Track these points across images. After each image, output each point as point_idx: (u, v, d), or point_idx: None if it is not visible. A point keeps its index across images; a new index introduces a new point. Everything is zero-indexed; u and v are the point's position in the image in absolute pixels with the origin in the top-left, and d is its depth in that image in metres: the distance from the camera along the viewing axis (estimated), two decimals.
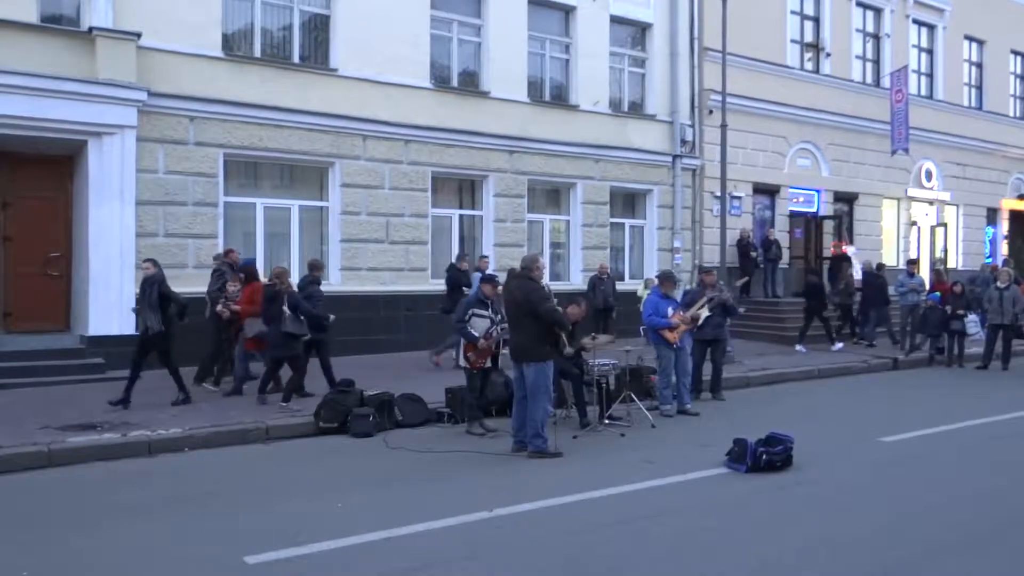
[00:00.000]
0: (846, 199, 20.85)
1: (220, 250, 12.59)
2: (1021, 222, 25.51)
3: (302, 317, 9.51)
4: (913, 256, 21.40)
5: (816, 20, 20.36)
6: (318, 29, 13.84)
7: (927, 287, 16.25)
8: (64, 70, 11.07)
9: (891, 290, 16.51)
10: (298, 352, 9.62)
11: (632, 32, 17.55)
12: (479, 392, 8.76)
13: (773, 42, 19.15)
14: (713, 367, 10.90)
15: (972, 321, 14.64)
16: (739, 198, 18.32)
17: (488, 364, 8.71)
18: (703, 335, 10.50)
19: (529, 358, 7.73)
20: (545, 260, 15.78)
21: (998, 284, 14.53)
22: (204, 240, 12.46)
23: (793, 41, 19.86)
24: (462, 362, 8.66)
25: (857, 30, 21.24)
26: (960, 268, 22.66)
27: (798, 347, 15.57)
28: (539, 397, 7.66)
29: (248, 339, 10.13)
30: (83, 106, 11.18)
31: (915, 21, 22.46)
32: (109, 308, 11.49)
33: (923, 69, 22.95)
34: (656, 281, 10.93)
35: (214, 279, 10.96)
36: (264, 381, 9.64)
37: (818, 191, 20.25)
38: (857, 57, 21.24)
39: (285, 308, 9.38)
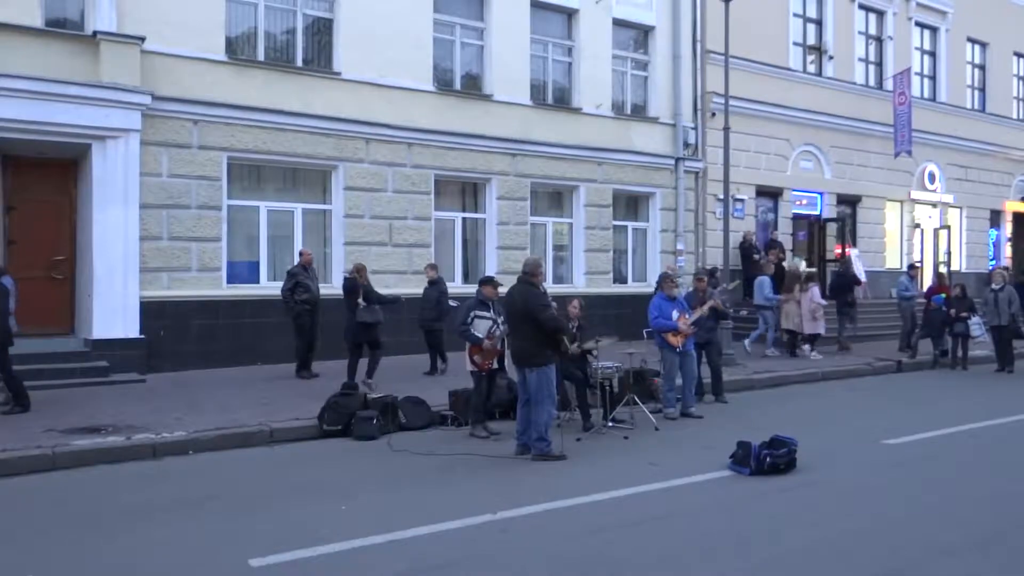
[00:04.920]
0: (849, 201, 20.85)
1: (223, 252, 12.66)
2: None
3: (376, 307, 10.86)
4: (916, 259, 21.41)
5: (818, 23, 20.37)
6: (321, 32, 13.87)
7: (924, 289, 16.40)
8: (68, 74, 11.11)
9: (894, 292, 16.57)
10: (375, 337, 10.80)
11: (634, 35, 17.56)
12: (486, 396, 8.76)
13: (775, 45, 19.15)
14: (712, 369, 10.89)
15: (976, 323, 14.63)
16: (742, 201, 18.32)
17: (495, 366, 8.71)
18: (695, 338, 10.50)
19: (530, 363, 7.74)
20: (548, 263, 15.82)
21: (993, 286, 14.55)
22: (208, 243, 12.49)
23: (795, 44, 19.86)
24: (469, 366, 8.66)
25: (859, 32, 21.23)
26: (964, 271, 22.65)
27: None
28: (542, 401, 7.66)
29: None
30: (87, 110, 11.21)
31: (917, 23, 22.47)
32: (113, 311, 11.52)
33: (926, 71, 22.95)
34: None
35: (287, 280, 11.69)
36: (351, 368, 10.59)
37: (821, 193, 20.24)
38: (860, 59, 21.24)
39: (360, 300, 10.68)
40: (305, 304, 11.46)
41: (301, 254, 12.08)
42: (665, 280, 10.23)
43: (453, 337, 9.43)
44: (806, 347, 14.98)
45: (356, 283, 10.88)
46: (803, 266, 16.18)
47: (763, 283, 15.42)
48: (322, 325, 11.93)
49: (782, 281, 15.81)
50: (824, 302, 15.05)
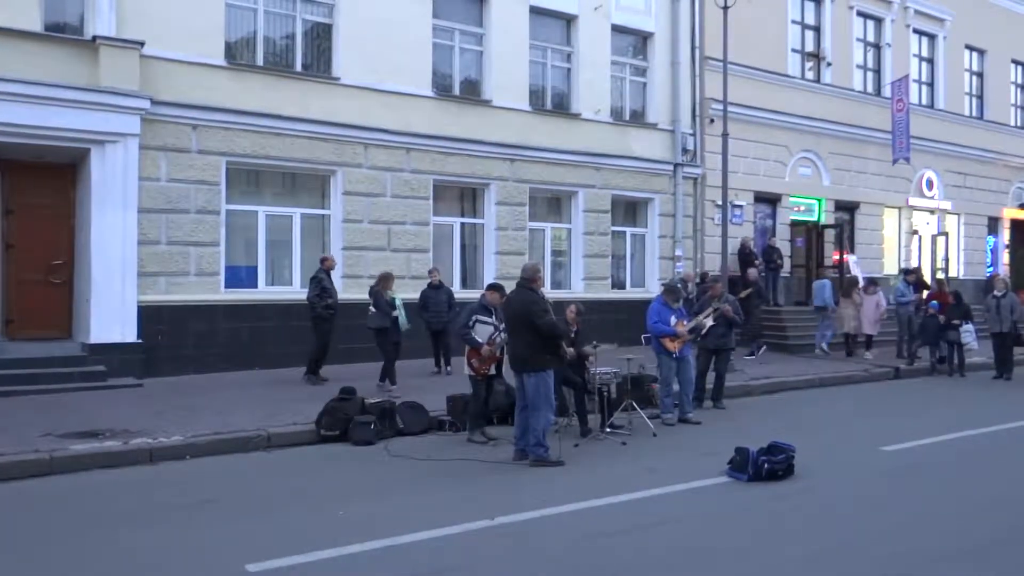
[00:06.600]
0: (847, 208, 20.86)
1: (221, 257, 12.65)
2: (1022, 231, 25.50)
3: (383, 313, 11.24)
4: (914, 265, 21.41)
5: (817, 30, 20.40)
6: (320, 38, 13.88)
7: (923, 296, 16.46)
8: (67, 78, 11.10)
9: (891, 298, 16.65)
10: (380, 341, 11.23)
11: (633, 41, 17.60)
12: (484, 401, 8.75)
13: (774, 51, 19.18)
14: (716, 376, 10.90)
15: (967, 331, 14.66)
16: (740, 207, 18.32)
17: (492, 371, 8.70)
18: (706, 344, 10.53)
19: (528, 368, 7.74)
20: (546, 268, 15.82)
21: (995, 292, 14.57)
22: (206, 248, 12.48)
23: (794, 50, 19.88)
24: (466, 370, 8.66)
25: (858, 39, 21.26)
26: (962, 277, 22.67)
27: None
28: (540, 406, 7.66)
29: None
30: (86, 114, 11.20)
31: (916, 31, 22.50)
32: (111, 316, 11.50)
33: (924, 78, 22.97)
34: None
35: (312, 286, 11.66)
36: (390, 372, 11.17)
37: (819, 200, 20.25)
38: (858, 66, 21.26)
39: (371, 308, 11.22)
40: (329, 309, 11.56)
41: (324, 260, 12.08)
42: (667, 293, 10.22)
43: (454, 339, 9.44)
44: (868, 353, 15.79)
45: (371, 290, 11.55)
46: (754, 274, 16.38)
47: (823, 287, 16.48)
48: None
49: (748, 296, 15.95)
50: (888, 306, 16.28)
